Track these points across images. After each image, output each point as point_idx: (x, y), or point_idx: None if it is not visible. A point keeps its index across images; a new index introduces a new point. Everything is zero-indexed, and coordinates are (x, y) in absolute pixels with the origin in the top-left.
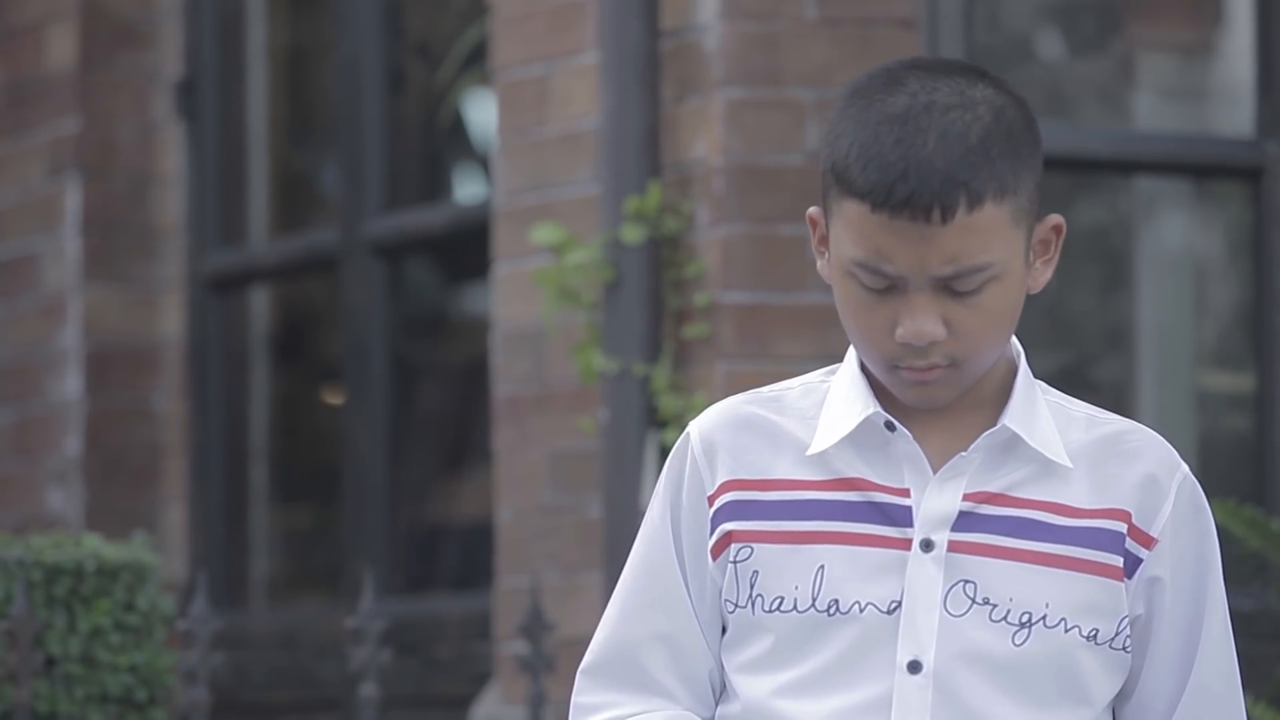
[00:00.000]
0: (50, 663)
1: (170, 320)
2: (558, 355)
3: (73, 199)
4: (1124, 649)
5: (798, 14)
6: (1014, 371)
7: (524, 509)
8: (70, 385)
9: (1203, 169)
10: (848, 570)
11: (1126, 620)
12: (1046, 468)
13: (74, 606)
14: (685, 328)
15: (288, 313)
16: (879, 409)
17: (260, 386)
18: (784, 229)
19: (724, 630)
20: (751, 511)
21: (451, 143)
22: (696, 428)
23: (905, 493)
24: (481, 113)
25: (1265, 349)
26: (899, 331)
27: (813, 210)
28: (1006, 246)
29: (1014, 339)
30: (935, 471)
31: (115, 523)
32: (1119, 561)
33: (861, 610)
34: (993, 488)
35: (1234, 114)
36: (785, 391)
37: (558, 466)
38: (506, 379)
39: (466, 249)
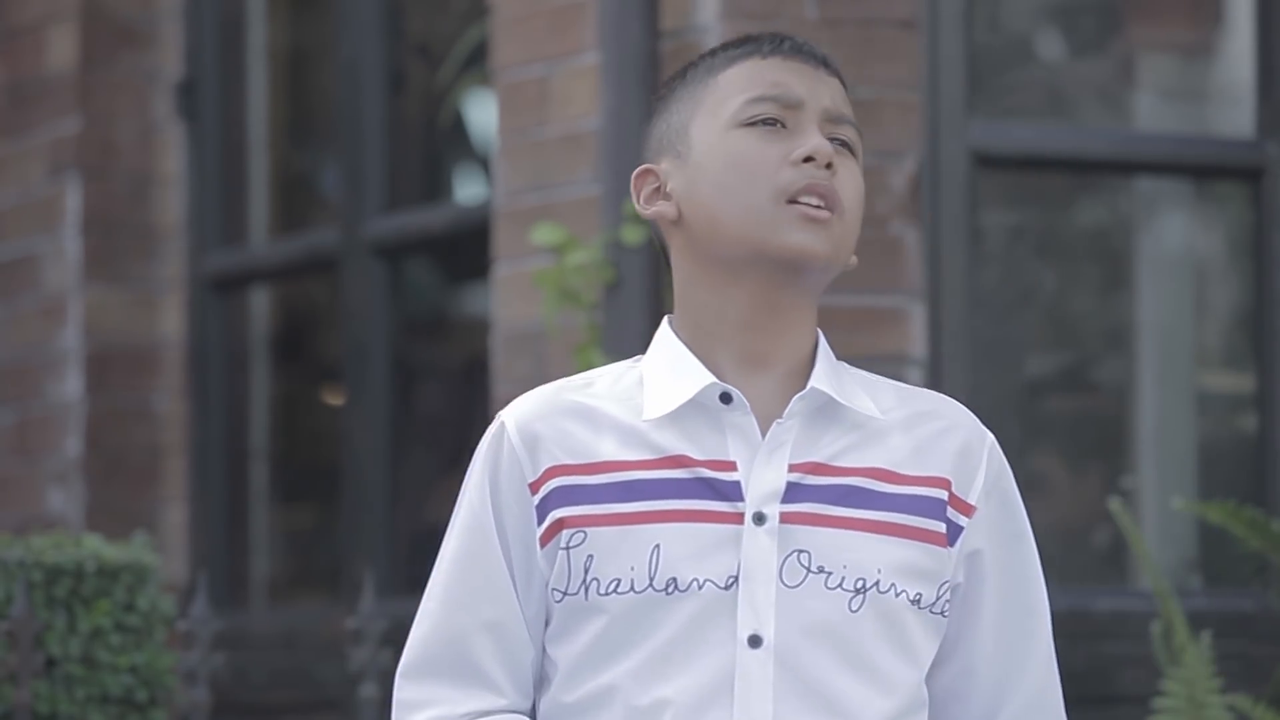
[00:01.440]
0: (50, 663)
1: (170, 320)
2: (558, 356)
3: (73, 199)
4: (943, 613)
5: (798, 14)
6: (817, 345)
7: None
8: (70, 386)
9: (1203, 169)
10: (683, 548)
11: (947, 586)
12: (867, 436)
13: (74, 607)
14: None
15: (288, 313)
16: (716, 380)
17: (260, 386)
18: None
19: (547, 622)
20: (580, 496)
21: (452, 143)
22: (511, 417)
23: (731, 466)
24: (482, 113)
25: (1265, 349)
26: (798, 152)
27: (642, 167)
28: (859, 145)
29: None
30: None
31: (115, 523)
32: (942, 528)
33: (700, 587)
34: (817, 457)
35: (1234, 114)
36: (596, 378)
37: None
38: (506, 379)
39: (466, 249)
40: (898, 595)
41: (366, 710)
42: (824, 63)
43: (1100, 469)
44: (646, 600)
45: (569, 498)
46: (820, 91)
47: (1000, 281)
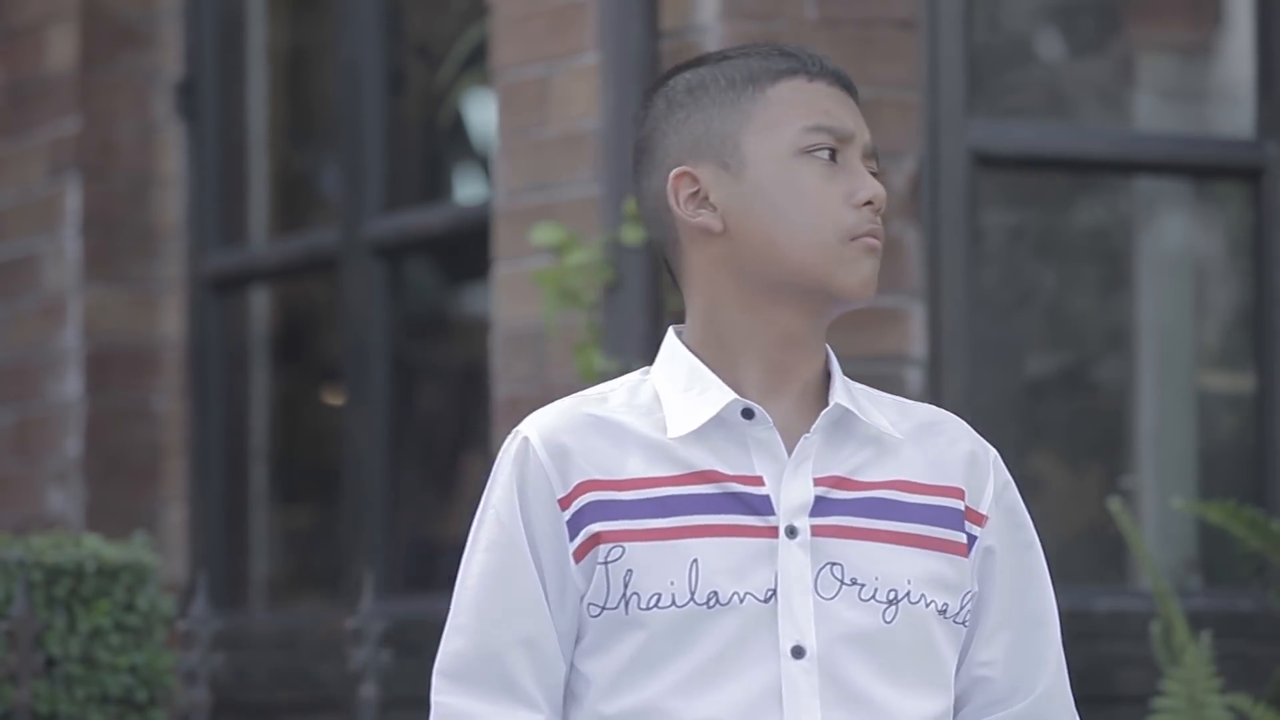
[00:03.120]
0: (50, 663)
1: (170, 320)
2: (558, 356)
3: (73, 199)
4: (963, 623)
5: (798, 14)
6: (828, 362)
7: None
8: (70, 385)
9: (1203, 169)
10: (721, 562)
11: (969, 595)
12: (882, 449)
13: (74, 607)
14: None
15: (288, 313)
16: (738, 396)
17: (260, 386)
18: None
19: (578, 638)
20: (615, 511)
21: (451, 143)
22: (535, 431)
23: (758, 481)
24: (482, 113)
25: (1265, 349)
26: (861, 194)
27: (680, 169)
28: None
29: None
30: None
31: (115, 523)
32: (962, 538)
33: (741, 600)
34: (839, 471)
35: (1234, 114)
36: (610, 393)
37: None
38: (506, 379)
39: (466, 249)
40: (927, 606)
41: (366, 710)
42: (854, 90)
43: (1100, 469)
44: (688, 615)
45: (603, 512)
46: (861, 125)
47: (1000, 281)
